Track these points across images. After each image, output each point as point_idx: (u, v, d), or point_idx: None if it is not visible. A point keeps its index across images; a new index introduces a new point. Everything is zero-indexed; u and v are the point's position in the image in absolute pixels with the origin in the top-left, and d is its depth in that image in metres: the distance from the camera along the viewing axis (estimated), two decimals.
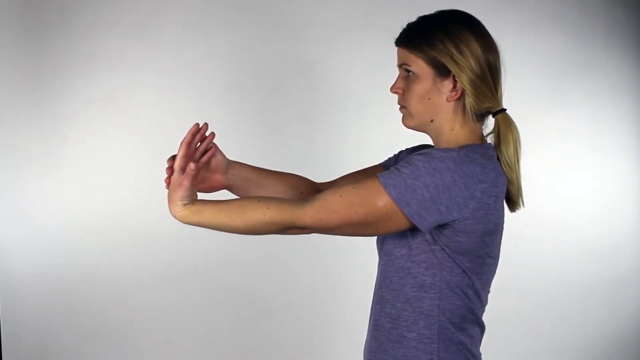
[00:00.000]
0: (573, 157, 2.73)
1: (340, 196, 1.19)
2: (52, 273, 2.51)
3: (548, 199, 2.70)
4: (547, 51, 2.67)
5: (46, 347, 2.54)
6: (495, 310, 2.61)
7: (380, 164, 1.50)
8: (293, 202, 1.22)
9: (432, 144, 1.36)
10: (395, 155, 1.50)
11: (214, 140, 1.38)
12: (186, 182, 1.25)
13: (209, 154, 1.37)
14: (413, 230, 1.22)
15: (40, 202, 2.49)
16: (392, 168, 1.20)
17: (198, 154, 1.35)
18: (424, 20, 1.28)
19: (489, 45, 1.25)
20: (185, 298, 2.57)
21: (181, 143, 1.30)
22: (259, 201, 1.22)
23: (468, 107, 1.25)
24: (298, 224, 1.20)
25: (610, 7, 2.70)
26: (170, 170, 1.29)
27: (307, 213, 1.19)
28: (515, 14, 2.64)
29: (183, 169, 1.27)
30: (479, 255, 1.24)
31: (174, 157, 1.31)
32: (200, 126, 1.34)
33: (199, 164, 1.34)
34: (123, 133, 2.51)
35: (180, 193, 1.25)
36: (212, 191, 1.42)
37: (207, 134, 1.36)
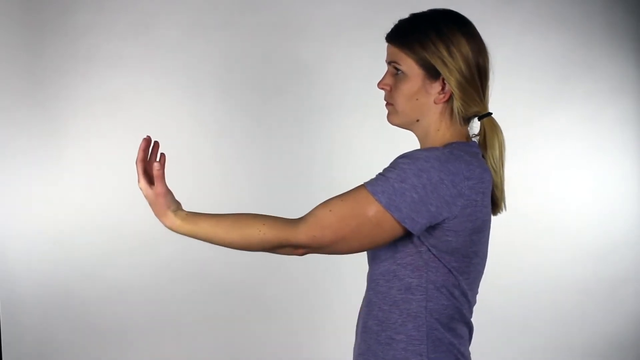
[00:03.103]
0: (573, 158, 2.73)
1: (330, 211, 1.17)
2: (52, 273, 2.52)
3: (548, 199, 2.70)
4: (547, 51, 2.67)
5: (46, 347, 2.54)
6: (495, 310, 2.63)
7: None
8: (287, 220, 1.20)
9: (418, 144, 1.34)
10: None
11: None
12: (160, 188, 1.22)
13: (161, 161, 1.25)
14: (403, 234, 1.21)
15: (40, 202, 2.50)
16: (377, 174, 1.19)
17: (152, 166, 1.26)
18: (416, 19, 1.27)
19: (479, 48, 1.24)
20: (184, 298, 2.57)
21: (136, 161, 1.23)
22: (255, 217, 1.21)
23: (456, 110, 1.24)
24: (292, 241, 1.18)
25: (610, 7, 2.70)
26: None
27: (301, 231, 1.18)
28: (515, 14, 2.64)
29: (150, 183, 1.22)
30: (466, 255, 1.23)
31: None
32: (146, 138, 1.26)
33: (162, 161, 1.26)
34: (123, 133, 2.51)
35: (162, 201, 1.22)
36: None
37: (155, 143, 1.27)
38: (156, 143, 1.28)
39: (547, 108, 2.69)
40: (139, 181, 1.24)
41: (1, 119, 2.46)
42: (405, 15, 1.30)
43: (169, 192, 1.23)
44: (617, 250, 2.77)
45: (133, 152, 2.55)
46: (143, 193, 1.24)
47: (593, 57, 2.70)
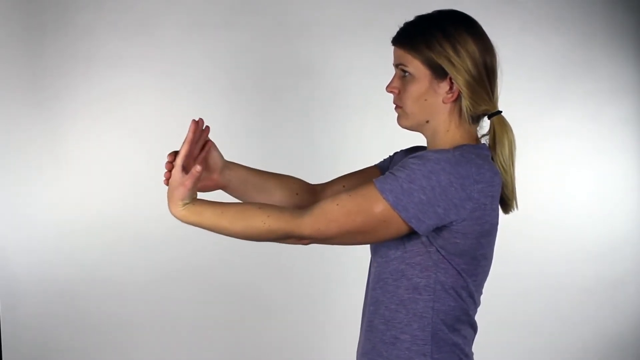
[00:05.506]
0: (573, 157, 2.73)
1: (337, 205, 1.18)
2: (52, 273, 2.51)
3: (548, 199, 2.70)
4: (547, 51, 2.67)
5: (46, 347, 2.54)
6: (495, 311, 2.63)
7: (375, 165, 1.49)
8: (292, 211, 1.21)
9: (426, 145, 1.35)
10: (390, 156, 1.50)
11: (213, 139, 1.38)
12: (189, 183, 1.23)
13: (206, 148, 1.36)
14: (409, 232, 1.21)
15: (40, 202, 2.50)
16: (387, 173, 1.20)
17: (197, 150, 1.34)
18: (421, 21, 1.27)
19: (486, 47, 1.25)
20: (185, 298, 2.57)
21: (184, 141, 1.27)
22: (260, 208, 1.22)
23: (464, 109, 1.24)
24: (296, 233, 1.20)
25: (610, 7, 2.70)
26: (170, 165, 1.27)
27: (306, 223, 1.19)
28: (515, 14, 2.64)
29: (186, 168, 1.25)
30: (475, 257, 1.23)
31: (175, 153, 1.28)
32: (197, 120, 1.31)
33: (202, 164, 1.31)
34: (123, 133, 2.51)
35: (182, 193, 1.23)
36: (208, 190, 1.40)
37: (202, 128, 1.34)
38: (207, 128, 1.34)
39: (547, 108, 2.69)
40: (176, 158, 1.25)
41: (1, 119, 2.46)
42: (408, 16, 1.30)
43: (193, 190, 1.24)
44: (617, 250, 2.77)
45: (133, 152, 2.56)
46: (173, 172, 1.25)
47: (593, 57, 2.70)
